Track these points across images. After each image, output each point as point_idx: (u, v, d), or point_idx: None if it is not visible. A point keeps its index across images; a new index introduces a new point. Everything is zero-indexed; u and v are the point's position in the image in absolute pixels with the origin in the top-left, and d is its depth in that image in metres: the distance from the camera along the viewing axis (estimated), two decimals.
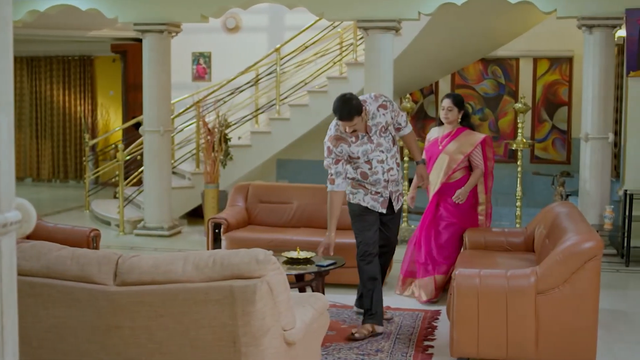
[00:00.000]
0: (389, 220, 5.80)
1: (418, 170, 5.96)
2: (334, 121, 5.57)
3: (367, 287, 5.62)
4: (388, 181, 5.63)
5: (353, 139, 5.52)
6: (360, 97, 5.52)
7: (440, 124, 6.77)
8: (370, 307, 5.60)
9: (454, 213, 6.65)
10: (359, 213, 5.68)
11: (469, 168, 6.69)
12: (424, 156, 6.33)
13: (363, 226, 5.66)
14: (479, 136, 6.71)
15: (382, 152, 5.58)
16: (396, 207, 5.77)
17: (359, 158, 5.55)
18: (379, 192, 5.64)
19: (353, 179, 5.67)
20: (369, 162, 5.57)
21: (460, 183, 6.63)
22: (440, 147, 6.64)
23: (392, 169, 5.65)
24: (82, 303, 3.52)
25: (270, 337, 3.44)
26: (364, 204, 5.66)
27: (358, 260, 5.66)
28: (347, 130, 5.44)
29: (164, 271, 3.46)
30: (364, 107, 5.42)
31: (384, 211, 5.69)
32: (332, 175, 5.57)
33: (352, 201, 5.73)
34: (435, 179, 6.62)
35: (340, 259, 5.91)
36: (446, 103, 6.62)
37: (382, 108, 5.54)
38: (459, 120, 6.66)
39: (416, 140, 6.03)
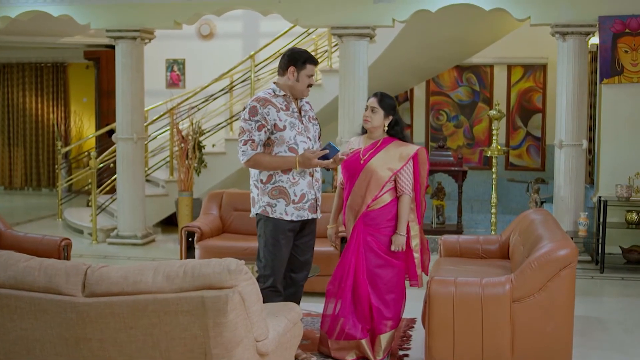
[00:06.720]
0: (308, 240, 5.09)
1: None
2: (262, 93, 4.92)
3: None
4: (313, 176, 4.93)
5: (283, 106, 4.85)
6: None
7: (364, 131, 5.36)
8: None
9: (387, 247, 5.19)
10: (278, 233, 4.86)
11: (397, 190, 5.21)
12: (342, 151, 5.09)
13: (277, 251, 4.90)
14: (412, 148, 5.21)
15: (309, 139, 4.94)
16: (318, 215, 5.04)
17: (284, 129, 4.78)
18: (304, 194, 4.88)
19: (270, 179, 4.85)
20: (294, 149, 4.81)
21: (386, 210, 5.16)
22: (362, 162, 5.18)
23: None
24: (50, 315, 3.45)
25: (243, 349, 3.39)
26: (288, 218, 4.85)
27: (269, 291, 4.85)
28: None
29: (133, 282, 3.39)
30: None
31: (314, 216, 4.96)
32: (253, 141, 4.75)
33: (271, 215, 4.85)
34: (359, 205, 5.18)
35: (315, 267, 5.83)
36: (371, 102, 5.20)
37: (308, 104, 5.12)
38: (385, 128, 5.24)
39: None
